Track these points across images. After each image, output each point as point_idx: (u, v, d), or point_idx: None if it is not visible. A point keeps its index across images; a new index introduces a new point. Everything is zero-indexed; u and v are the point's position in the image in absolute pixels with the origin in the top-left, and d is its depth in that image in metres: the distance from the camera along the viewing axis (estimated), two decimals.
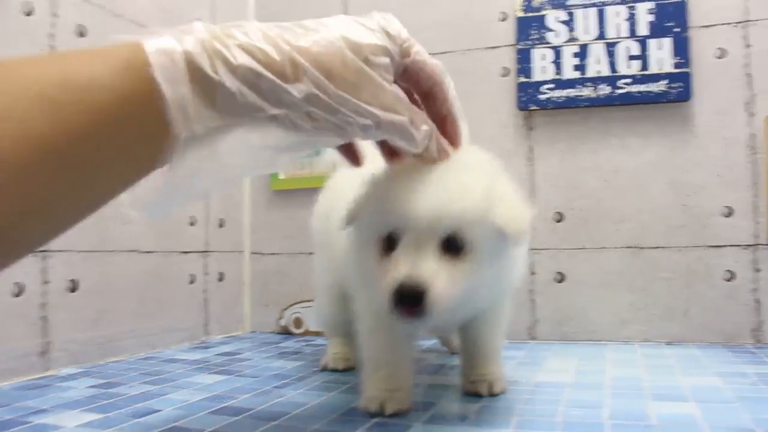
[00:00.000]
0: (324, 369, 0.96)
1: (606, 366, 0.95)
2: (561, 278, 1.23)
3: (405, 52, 0.53)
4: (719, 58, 1.18)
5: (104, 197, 0.42)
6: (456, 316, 0.67)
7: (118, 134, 0.39)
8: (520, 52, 1.27)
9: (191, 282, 1.29)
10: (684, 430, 0.62)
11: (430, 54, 0.55)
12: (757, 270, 1.13)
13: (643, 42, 1.20)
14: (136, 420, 0.69)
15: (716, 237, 1.16)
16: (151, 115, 0.39)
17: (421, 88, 0.57)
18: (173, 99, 0.39)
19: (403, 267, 0.56)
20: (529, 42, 1.26)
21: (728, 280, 1.15)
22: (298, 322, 1.38)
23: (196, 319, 1.31)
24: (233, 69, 0.41)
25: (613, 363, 0.97)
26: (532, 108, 1.25)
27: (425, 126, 0.54)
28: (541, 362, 0.99)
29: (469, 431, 0.63)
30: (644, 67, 1.20)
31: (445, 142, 0.59)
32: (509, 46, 1.29)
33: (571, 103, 1.23)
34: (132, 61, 0.38)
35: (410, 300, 0.55)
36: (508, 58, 1.29)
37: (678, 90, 1.18)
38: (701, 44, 1.18)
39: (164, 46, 0.39)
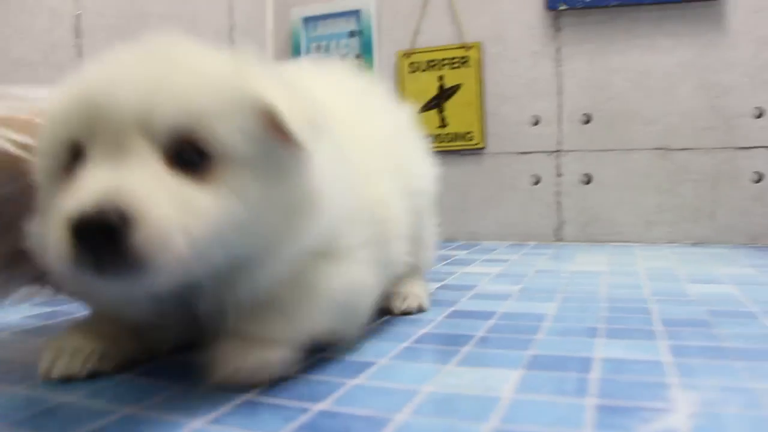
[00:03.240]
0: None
1: (636, 260, 0.96)
2: (588, 180, 1.22)
3: None
4: None
5: None
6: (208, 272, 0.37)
7: None
8: None
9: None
10: (725, 303, 0.63)
11: None
12: None
13: None
14: None
15: (745, 138, 1.14)
16: None
17: None
18: None
19: (90, 185, 0.33)
20: None
21: (756, 182, 1.14)
22: None
23: None
24: None
25: (643, 258, 0.98)
26: (561, 7, 1.22)
27: None
28: (571, 258, 1.00)
29: (516, 305, 0.64)
30: None
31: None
32: None
33: (600, 2, 1.20)
34: None
35: (98, 238, 0.31)
36: None
37: None
38: None
39: None
